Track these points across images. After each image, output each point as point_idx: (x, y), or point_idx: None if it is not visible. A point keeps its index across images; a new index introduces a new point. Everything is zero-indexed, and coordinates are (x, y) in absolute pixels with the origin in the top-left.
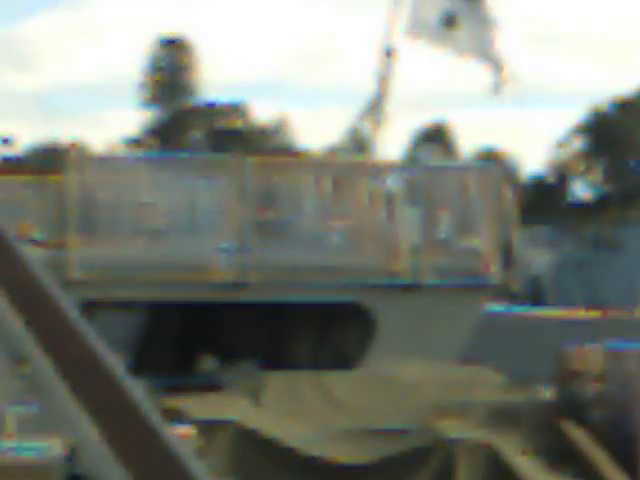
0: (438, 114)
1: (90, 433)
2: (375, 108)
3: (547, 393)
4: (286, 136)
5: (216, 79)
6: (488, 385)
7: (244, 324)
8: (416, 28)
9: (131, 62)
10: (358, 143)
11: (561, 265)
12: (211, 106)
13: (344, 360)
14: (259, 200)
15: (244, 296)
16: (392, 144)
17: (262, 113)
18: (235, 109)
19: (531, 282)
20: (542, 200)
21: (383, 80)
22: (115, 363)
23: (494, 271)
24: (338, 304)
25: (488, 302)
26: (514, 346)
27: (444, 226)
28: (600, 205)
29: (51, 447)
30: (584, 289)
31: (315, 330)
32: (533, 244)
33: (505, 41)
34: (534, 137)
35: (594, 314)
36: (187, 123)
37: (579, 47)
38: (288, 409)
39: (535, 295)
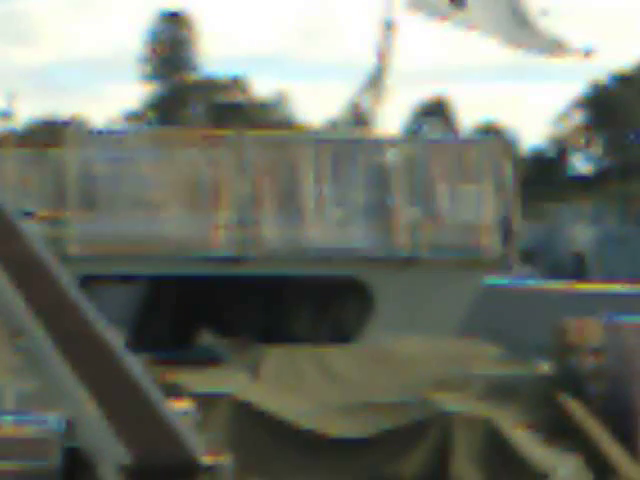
0: (438, 88)
1: (88, 407)
2: (375, 82)
3: (545, 366)
4: (286, 110)
5: (216, 53)
6: (486, 359)
7: (243, 298)
8: (417, 1)
9: (131, 36)
10: (358, 117)
11: (605, 240)
12: (211, 80)
13: (342, 334)
14: (259, 175)
15: (243, 270)
16: (392, 118)
17: (262, 87)
18: (235, 83)
19: (574, 257)
20: (542, 174)
21: (383, 54)
22: (114, 337)
23: (493, 245)
24: (336, 278)
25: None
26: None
27: (443, 200)
28: (600, 178)
29: (49, 421)
30: (628, 264)
31: (314, 304)
32: (576, 219)
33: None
34: (534, 111)
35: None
36: (187, 97)
37: (579, 20)
38: (286, 383)
39: (578, 270)
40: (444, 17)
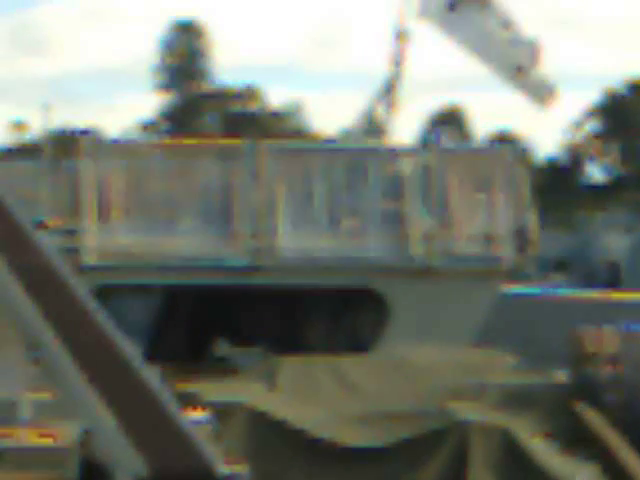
0: (452, 97)
1: (104, 418)
2: (389, 91)
3: (562, 375)
4: (300, 119)
5: (230, 63)
6: (502, 368)
7: (258, 308)
8: (427, 11)
9: (145, 46)
10: (372, 127)
11: (638, 249)
12: (225, 89)
13: (358, 344)
14: (273, 184)
15: (258, 280)
16: (406, 127)
17: (276, 96)
18: (249, 93)
19: (609, 266)
20: (556, 182)
21: (397, 63)
22: (129, 348)
23: (508, 254)
24: (352, 288)
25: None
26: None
27: (458, 209)
28: (615, 187)
29: (66, 433)
30: None
31: (329, 314)
32: (610, 228)
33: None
34: (548, 119)
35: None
36: (201, 107)
37: (592, 29)
38: (303, 393)
39: (613, 279)
40: (447, 28)
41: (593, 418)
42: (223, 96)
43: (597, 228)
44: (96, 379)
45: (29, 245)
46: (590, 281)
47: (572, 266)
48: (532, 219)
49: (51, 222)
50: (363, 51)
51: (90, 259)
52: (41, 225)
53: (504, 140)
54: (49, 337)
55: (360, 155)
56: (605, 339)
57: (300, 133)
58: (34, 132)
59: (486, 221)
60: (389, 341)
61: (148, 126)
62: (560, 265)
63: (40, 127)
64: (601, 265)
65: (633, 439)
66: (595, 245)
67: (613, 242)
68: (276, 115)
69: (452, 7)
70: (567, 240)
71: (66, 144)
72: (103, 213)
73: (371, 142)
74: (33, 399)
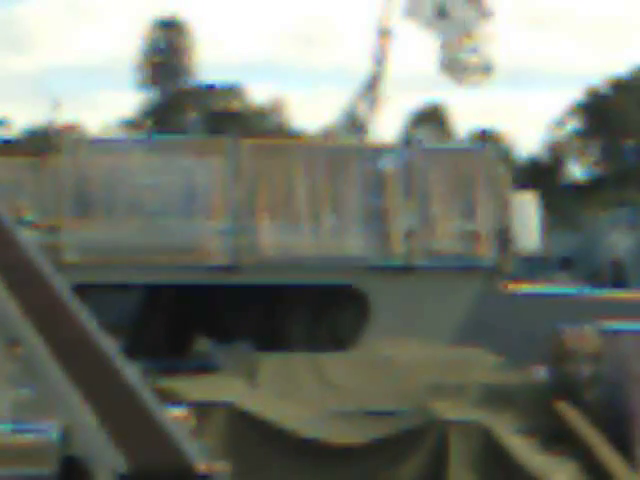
0: (434, 95)
1: (85, 415)
2: (371, 89)
3: (541, 373)
4: (282, 117)
5: (212, 61)
6: (483, 366)
7: (239, 306)
8: (411, 10)
9: (127, 44)
10: (354, 125)
11: None
12: (207, 88)
13: (339, 342)
14: (255, 182)
15: (239, 278)
16: (387, 125)
17: (258, 94)
18: (231, 91)
19: (612, 265)
20: (537, 181)
21: (379, 61)
22: (110, 345)
23: (489, 253)
24: (333, 286)
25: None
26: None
27: (439, 208)
28: (595, 186)
29: (46, 429)
30: None
31: (310, 312)
32: (614, 227)
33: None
34: (529, 118)
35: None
36: (183, 105)
37: (574, 28)
38: (283, 391)
39: (616, 277)
40: (433, 28)
41: (573, 416)
42: (205, 94)
43: (601, 227)
44: (76, 376)
45: (10, 242)
46: (595, 279)
47: (577, 265)
48: (536, 219)
49: (37, 222)
50: (346, 49)
51: (71, 257)
52: (30, 225)
53: (486, 139)
54: (30, 334)
55: (342, 153)
56: (585, 337)
57: (283, 131)
58: (18, 129)
59: (468, 220)
60: (370, 339)
61: (130, 124)
62: (565, 264)
63: (23, 124)
64: (605, 263)
65: (613, 437)
66: (599, 244)
67: (617, 241)
68: (258, 113)
69: (440, 13)
70: (571, 239)
71: (48, 140)
72: (84, 211)
73: (353, 140)
74: (13, 396)
